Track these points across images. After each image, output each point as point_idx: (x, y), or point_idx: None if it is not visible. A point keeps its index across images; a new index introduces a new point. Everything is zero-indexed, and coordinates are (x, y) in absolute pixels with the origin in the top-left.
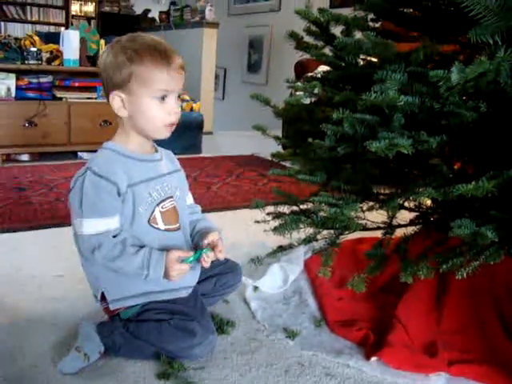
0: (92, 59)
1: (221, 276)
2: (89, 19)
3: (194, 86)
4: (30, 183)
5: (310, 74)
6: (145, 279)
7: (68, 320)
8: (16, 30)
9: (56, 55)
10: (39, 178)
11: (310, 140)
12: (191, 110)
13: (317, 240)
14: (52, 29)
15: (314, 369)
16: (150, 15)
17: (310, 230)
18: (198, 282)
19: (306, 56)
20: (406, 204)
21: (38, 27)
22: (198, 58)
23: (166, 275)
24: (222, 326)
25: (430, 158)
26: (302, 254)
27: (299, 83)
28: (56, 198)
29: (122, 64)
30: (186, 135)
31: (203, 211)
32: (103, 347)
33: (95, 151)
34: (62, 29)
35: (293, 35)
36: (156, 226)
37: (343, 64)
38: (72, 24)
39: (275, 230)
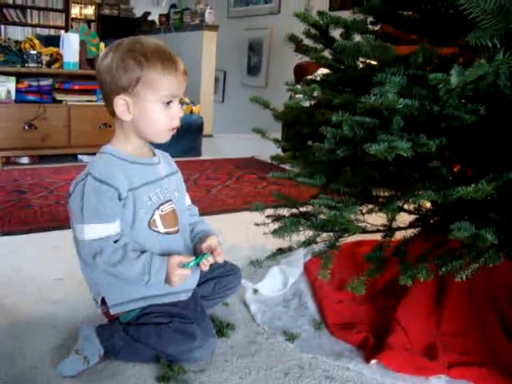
0: (92, 62)
1: (220, 279)
2: (89, 22)
3: (194, 89)
4: (30, 186)
5: (309, 77)
6: (146, 284)
7: (68, 322)
8: (16, 33)
9: (56, 58)
10: (39, 181)
11: (309, 143)
12: (191, 112)
13: (316, 243)
14: (52, 32)
15: (314, 372)
16: (149, 18)
17: (310, 233)
18: (198, 285)
19: (306, 59)
20: (406, 207)
21: (38, 30)
22: (198, 60)
23: (168, 280)
24: (222, 328)
25: (430, 160)
26: (301, 257)
27: (299, 86)
28: (56, 200)
29: (130, 68)
30: (185, 138)
31: (203, 214)
32: (103, 350)
33: (95, 154)
34: (62, 32)
35: (292, 38)
36: (156, 229)
37: (342, 67)
38: (72, 27)
39: (275, 232)
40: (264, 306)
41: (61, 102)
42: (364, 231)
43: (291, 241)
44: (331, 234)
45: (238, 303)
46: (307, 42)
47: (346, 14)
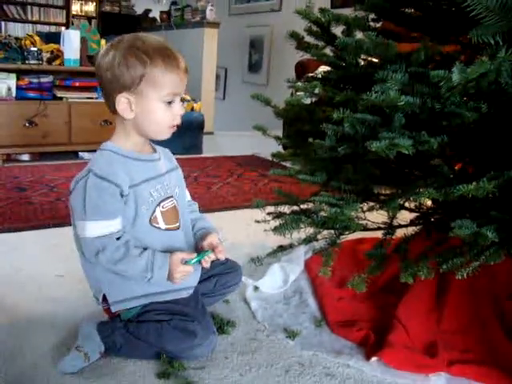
0: (93, 59)
1: (221, 276)
2: (89, 19)
3: (195, 86)
4: (31, 183)
5: (310, 74)
6: (148, 281)
7: (68, 320)
8: (16, 30)
9: (56, 55)
10: (40, 178)
11: (310, 140)
12: (192, 110)
13: (317, 240)
14: (52, 29)
15: (315, 369)
16: (150, 15)
17: (311, 230)
18: (199, 282)
19: (307, 56)
20: (407, 204)
21: (39, 27)
22: (199, 57)
23: (170, 277)
24: (223, 325)
25: (431, 158)
26: (302, 254)
27: (300, 83)
28: (56, 197)
29: (133, 65)
30: (186, 135)
31: (204, 211)
32: (103, 347)
33: (96, 151)
34: (63, 29)
35: (293, 35)
36: (157, 225)
37: (344, 64)
38: (72, 24)
39: (275, 229)
40: (264, 304)
41: (61, 98)
42: (365, 229)
43: (292, 238)
44: (332, 231)
45: (239, 300)
46: (308, 39)
47: (347, 11)
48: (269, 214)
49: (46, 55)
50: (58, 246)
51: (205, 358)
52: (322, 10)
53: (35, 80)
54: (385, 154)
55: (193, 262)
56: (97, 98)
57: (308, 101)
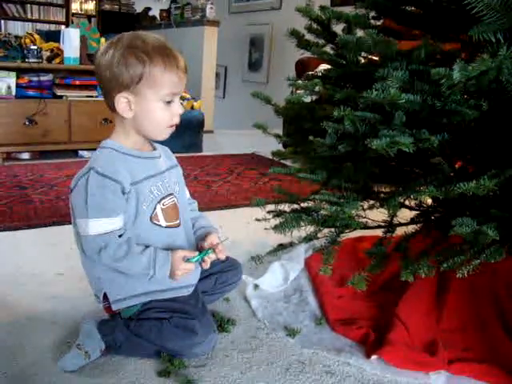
0: (92, 57)
1: (221, 274)
2: (89, 17)
3: (195, 85)
4: (31, 182)
5: (310, 72)
6: (150, 279)
7: (68, 318)
8: (16, 29)
9: (56, 53)
10: (40, 177)
11: (310, 138)
12: (192, 108)
13: (317, 238)
14: (52, 27)
15: (315, 367)
16: (150, 13)
17: (311, 228)
18: (199, 280)
19: (307, 54)
20: (407, 202)
21: (39, 25)
22: (199, 56)
23: (171, 275)
24: (223, 324)
25: (431, 156)
26: (302, 252)
27: (300, 81)
28: (56, 196)
29: (132, 64)
30: (186, 134)
31: (204, 210)
32: (104, 345)
33: (96, 149)
34: (63, 27)
35: (294, 33)
36: (158, 223)
37: (344, 62)
38: (72, 22)
39: (276, 228)
40: (265, 302)
41: (61, 97)
42: (365, 227)
43: (292, 236)
44: (332, 229)
45: (239, 299)
46: (309, 37)
47: (348, 9)
48: (269, 212)
49: (45, 53)
50: (59, 244)
51: (205, 356)
52: (322, 8)
53: (35, 78)
54: (385, 151)
55: (194, 260)
56: (97, 97)
57: (308, 99)
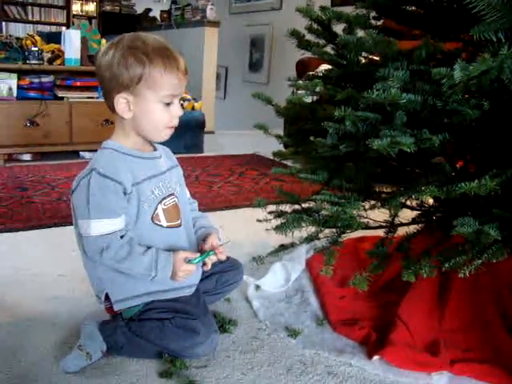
0: (93, 59)
1: (222, 274)
2: (90, 19)
3: (196, 85)
4: (32, 183)
5: (311, 73)
6: (151, 280)
7: (70, 319)
8: (17, 30)
9: (57, 55)
10: (41, 178)
11: (311, 138)
12: (193, 109)
13: (319, 239)
14: (53, 28)
15: (316, 367)
16: (151, 14)
17: (312, 229)
18: (200, 280)
19: (308, 54)
20: (409, 202)
21: (40, 27)
22: (200, 57)
23: (173, 276)
24: (224, 324)
25: (433, 156)
26: (303, 253)
27: (301, 82)
28: (58, 197)
29: (132, 65)
30: (187, 135)
31: (205, 210)
32: (105, 346)
33: (97, 151)
34: (64, 28)
35: (294, 33)
36: (159, 223)
37: (345, 62)
38: (73, 24)
39: (277, 228)
40: (266, 302)
41: (62, 98)
42: (366, 227)
43: (293, 237)
44: (334, 229)
45: (241, 299)
46: (309, 37)
47: (348, 9)
48: (270, 212)
49: (46, 55)
50: (60, 245)
51: (207, 357)
52: (322, 8)
53: (36, 80)
54: (386, 151)
55: (196, 261)
56: (98, 98)
57: (309, 99)
